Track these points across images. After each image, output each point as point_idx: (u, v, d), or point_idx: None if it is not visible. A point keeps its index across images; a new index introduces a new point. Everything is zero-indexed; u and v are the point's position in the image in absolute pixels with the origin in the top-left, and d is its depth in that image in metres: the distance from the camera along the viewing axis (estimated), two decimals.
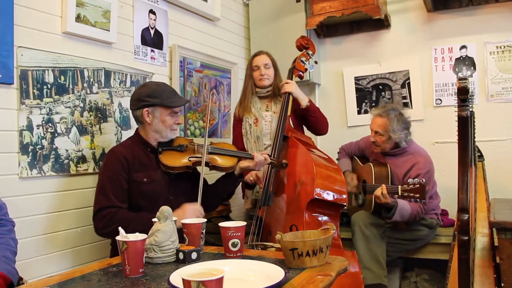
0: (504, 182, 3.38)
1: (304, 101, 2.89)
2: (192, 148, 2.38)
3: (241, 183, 2.76)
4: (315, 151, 2.73)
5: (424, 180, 2.64)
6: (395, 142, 3.04)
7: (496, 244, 2.14)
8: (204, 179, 2.33)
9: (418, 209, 2.86)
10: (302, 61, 2.97)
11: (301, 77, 3.02)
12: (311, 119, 2.96)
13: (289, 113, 2.82)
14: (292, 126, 2.93)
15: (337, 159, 3.44)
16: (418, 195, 2.61)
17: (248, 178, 2.66)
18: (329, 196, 2.52)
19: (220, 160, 2.41)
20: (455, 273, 1.72)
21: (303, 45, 3.03)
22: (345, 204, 2.58)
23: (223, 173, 2.54)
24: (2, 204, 1.78)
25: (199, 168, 2.31)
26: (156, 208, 1.78)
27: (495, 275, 1.99)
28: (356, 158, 3.38)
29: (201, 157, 2.31)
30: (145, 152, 2.31)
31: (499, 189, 3.30)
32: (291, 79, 2.94)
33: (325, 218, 2.56)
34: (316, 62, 3.29)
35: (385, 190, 2.76)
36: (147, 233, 1.60)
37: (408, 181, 2.69)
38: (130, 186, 2.22)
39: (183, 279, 1.05)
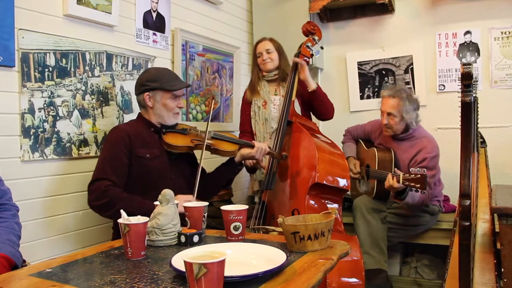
0: (506, 168, 3.38)
1: (312, 84, 2.89)
2: (195, 133, 2.42)
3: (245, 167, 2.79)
4: (319, 136, 2.74)
5: (425, 171, 2.61)
6: (406, 124, 3.02)
7: (497, 230, 2.14)
8: (203, 169, 2.34)
9: (426, 193, 2.83)
10: (308, 46, 2.94)
11: (307, 62, 2.99)
12: (317, 104, 2.96)
13: (293, 98, 2.83)
14: (300, 111, 2.95)
15: (342, 142, 3.44)
16: (418, 185, 2.56)
17: (248, 162, 2.68)
18: (331, 181, 2.52)
19: (221, 145, 2.42)
20: (456, 258, 1.72)
21: (310, 31, 3.01)
22: (347, 189, 2.58)
23: (224, 159, 2.54)
24: (6, 189, 1.79)
25: (200, 153, 2.32)
26: (159, 185, 1.80)
27: (495, 261, 2.00)
28: (361, 142, 3.37)
29: (203, 140, 2.33)
30: (148, 130, 2.34)
31: (501, 175, 3.30)
32: (296, 66, 2.92)
33: (327, 203, 2.56)
34: (322, 48, 3.28)
35: (392, 181, 2.70)
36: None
37: (411, 170, 2.66)
38: (133, 162, 2.23)
39: (185, 261, 1.05)
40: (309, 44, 2.95)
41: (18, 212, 1.80)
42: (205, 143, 2.33)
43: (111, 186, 2.12)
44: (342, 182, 2.55)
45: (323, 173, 2.50)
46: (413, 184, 2.59)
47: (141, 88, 2.33)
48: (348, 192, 2.87)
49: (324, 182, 2.49)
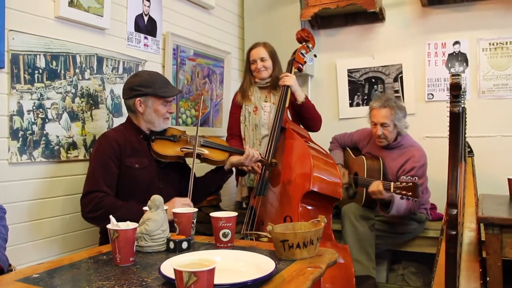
0: (492, 178, 3.41)
1: (301, 96, 2.90)
2: (184, 139, 2.39)
3: (234, 171, 2.77)
4: (311, 144, 2.74)
5: (417, 179, 2.62)
6: (397, 132, 3.05)
7: (483, 239, 2.17)
8: (194, 174, 2.33)
9: (412, 203, 2.86)
10: (302, 53, 2.95)
11: (300, 69, 3.01)
12: (305, 116, 2.97)
13: (287, 105, 2.83)
14: (290, 118, 2.94)
15: (329, 149, 3.45)
16: (410, 193, 2.58)
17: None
18: (325, 189, 2.52)
19: (211, 153, 2.40)
20: (442, 266, 1.73)
21: (304, 38, 3.02)
22: (339, 198, 2.59)
23: (213, 167, 2.53)
24: None
25: (190, 160, 2.31)
26: (147, 195, 1.77)
27: (480, 270, 2.01)
28: (349, 149, 3.39)
29: (193, 149, 2.31)
30: (137, 138, 2.30)
31: (487, 185, 3.33)
32: (290, 71, 2.94)
33: (318, 210, 2.56)
34: (315, 56, 3.28)
35: (381, 187, 2.75)
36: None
37: (401, 178, 2.67)
38: (122, 171, 2.20)
39: (175, 269, 1.05)
40: (303, 51, 2.97)
41: (5, 215, 1.78)
42: (195, 152, 2.30)
43: (105, 197, 2.10)
44: (335, 191, 2.56)
45: (317, 181, 2.49)
46: (404, 192, 2.59)
47: (131, 92, 2.26)
48: None
49: (318, 190, 2.49)
